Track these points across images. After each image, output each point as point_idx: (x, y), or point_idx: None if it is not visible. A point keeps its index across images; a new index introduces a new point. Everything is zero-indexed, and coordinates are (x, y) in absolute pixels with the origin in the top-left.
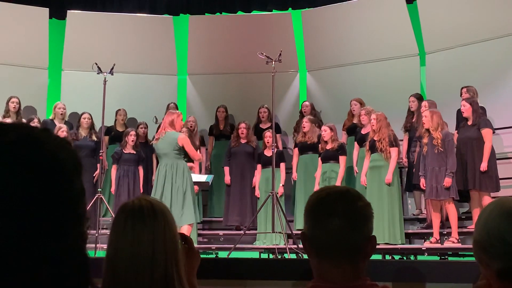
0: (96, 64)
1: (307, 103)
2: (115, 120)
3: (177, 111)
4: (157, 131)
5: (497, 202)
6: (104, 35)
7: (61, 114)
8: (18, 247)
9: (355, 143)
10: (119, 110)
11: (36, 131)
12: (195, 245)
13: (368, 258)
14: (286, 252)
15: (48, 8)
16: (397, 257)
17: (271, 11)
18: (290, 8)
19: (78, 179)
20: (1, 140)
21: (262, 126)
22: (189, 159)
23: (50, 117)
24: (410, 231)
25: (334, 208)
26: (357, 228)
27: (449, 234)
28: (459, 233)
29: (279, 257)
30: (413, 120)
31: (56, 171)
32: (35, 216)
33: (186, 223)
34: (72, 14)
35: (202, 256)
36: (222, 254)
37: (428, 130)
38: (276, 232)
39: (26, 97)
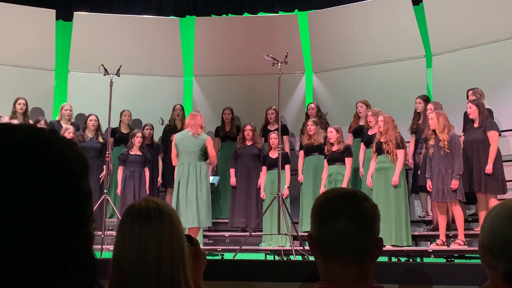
0: (103, 65)
1: (312, 105)
2: (120, 121)
3: (198, 113)
4: (164, 132)
5: (503, 204)
6: (110, 36)
7: (68, 115)
8: (24, 247)
9: (362, 144)
10: (124, 111)
11: (44, 132)
12: (201, 246)
13: (375, 260)
14: (292, 254)
15: (55, 10)
16: (403, 259)
17: (278, 12)
18: (296, 10)
19: (85, 180)
20: (10, 140)
21: (270, 127)
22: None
23: (57, 118)
24: (416, 233)
25: (341, 209)
26: (364, 229)
27: (455, 236)
28: (466, 236)
29: (285, 258)
30: (420, 122)
31: (64, 171)
32: (42, 216)
33: (210, 224)
34: (79, 16)
35: (208, 257)
36: (228, 256)
37: (434, 131)
38: (282, 234)
39: (33, 98)
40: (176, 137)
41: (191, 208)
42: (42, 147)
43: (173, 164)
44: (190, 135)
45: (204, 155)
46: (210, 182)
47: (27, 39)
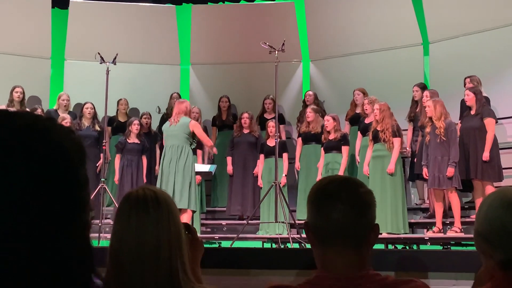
0: (99, 54)
1: (310, 92)
2: (117, 110)
3: (185, 100)
4: (161, 120)
5: (498, 192)
6: (107, 24)
7: (65, 105)
8: (22, 234)
9: (358, 132)
10: (120, 99)
11: (42, 119)
12: (199, 235)
13: (371, 246)
14: (289, 242)
15: None
16: (399, 247)
17: (274, 0)
18: None
19: (83, 168)
20: (7, 126)
21: (267, 116)
22: (197, 147)
23: (54, 108)
24: (412, 220)
25: (337, 195)
26: (360, 214)
27: (452, 223)
28: (462, 223)
29: (282, 246)
30: (417, 110)
31: (61, 159)
32: (39, 204)
33: (183, 206)
34: (75, 4)
35: (205, 245)
36: (225, 244)
37: (431, 119)
38: (279, 222)
39: (30, 87)
40: (164, 124)
41: (167, 188)
42: (39, 135)
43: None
44: (172, 121)
45: (189, 138)
46: (208, 170)
47: (23, 28)
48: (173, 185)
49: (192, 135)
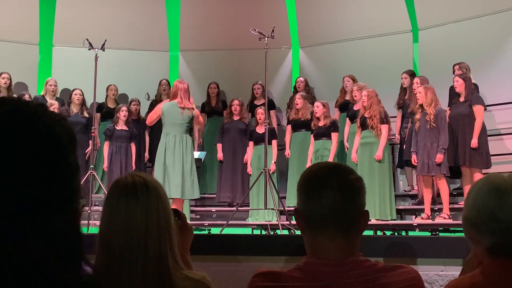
0: (88, 40)
1: (301, 78)
2: (106, 96)
3: (184, 84)
4: (149, 106)
5: (486, 178)
6: (95, 10)
7: (52, 90)
8: (11, 220)
9: (347, 119)
10: (110, 86)
11: (33, 105)
12: (188, 221)
13: (361, 232)
14: (279, 228)
15: None
16: (388, 233)
17: None
18: None
19: (73, 154)
20: None
21: (257, 102)
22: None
23: (41, 93)
24: (401, 207)
25: (327, 181)
26: (350, 200)
27: (440, 210)
28: (451, 209)
29: (272, 233)
30: (406, 97)
31: (51, 144)
32: (29, 190)
33: (196, 196)
34: None
35: (195, 232)
36: (215, 231)
37: (421, 106)
38: (269, 209)
39: (17, 73)
40: (164, 106)
41: (175, 179)
42: (29, 120)
43: (147, 122)
44: (179, 107)
45: (189, 127)
46: (197, 157)
47: (11, 13)
48: (181, 176)
49: (192, 122)
